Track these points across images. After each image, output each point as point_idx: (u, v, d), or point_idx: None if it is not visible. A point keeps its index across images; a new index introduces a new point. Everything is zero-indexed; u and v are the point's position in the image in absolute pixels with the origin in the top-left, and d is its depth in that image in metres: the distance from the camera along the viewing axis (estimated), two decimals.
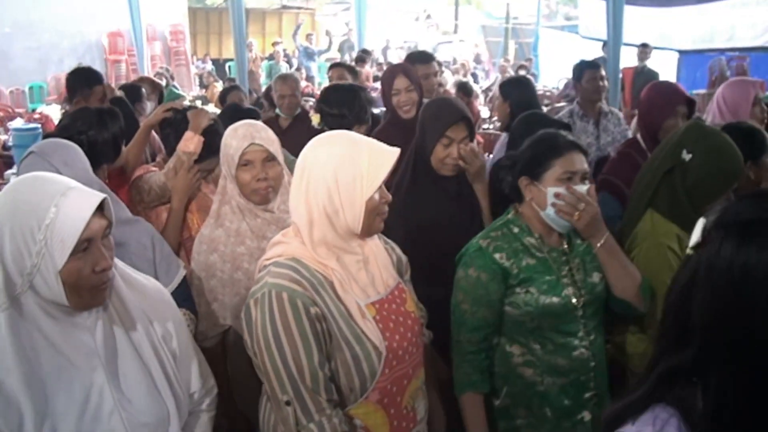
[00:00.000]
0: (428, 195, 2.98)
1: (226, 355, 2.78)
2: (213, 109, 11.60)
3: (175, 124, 3.41)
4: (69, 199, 1.62)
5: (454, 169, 2.97)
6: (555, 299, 2.38)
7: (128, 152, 3.61)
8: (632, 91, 10.41)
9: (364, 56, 12.19)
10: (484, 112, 11.48)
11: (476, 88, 12.72)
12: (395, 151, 1.99)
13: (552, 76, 16.82)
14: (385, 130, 4.14)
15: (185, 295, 2.67)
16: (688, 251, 1.24)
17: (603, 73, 5.07)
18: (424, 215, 2.94)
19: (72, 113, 3.22)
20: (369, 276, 2.07)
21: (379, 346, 1.98)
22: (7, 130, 11.26)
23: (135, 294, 1.88)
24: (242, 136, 2.63)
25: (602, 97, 5.09)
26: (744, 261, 1.14)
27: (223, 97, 6.42)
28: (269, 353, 1.89)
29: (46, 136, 3.00)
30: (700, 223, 1.24)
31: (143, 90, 5.95)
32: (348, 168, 1.93)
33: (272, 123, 5.12)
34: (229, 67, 20.30)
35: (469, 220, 3.02)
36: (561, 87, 14.08)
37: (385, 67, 16.10)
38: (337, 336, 1.95)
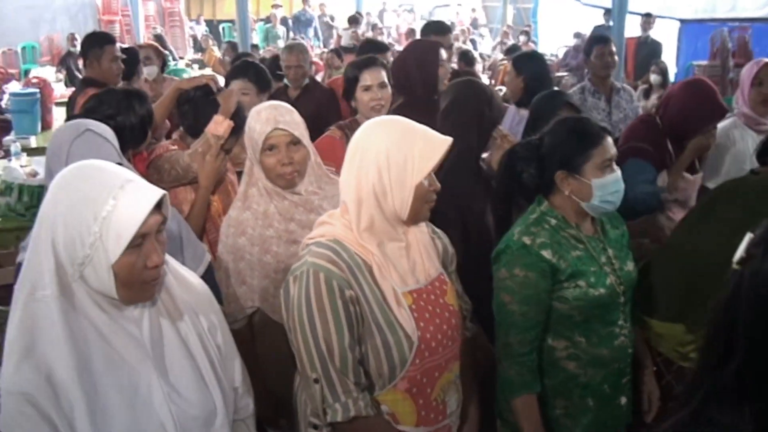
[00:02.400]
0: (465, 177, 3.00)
1: (253, 337, 2.76)
2: (210, 72, 11.54)
3: (194, 100, 3.34)
4: (127, 193, 1.59)
5: None
6: (602, 290, 2.36)
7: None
8: (635, 61, 10.36)
9: (357, 17, 12.07)
10: (484, 80, 11.38)
11: (476, 54, 12.66)
12: (447, 140, 1.98)
13: (551, 44, 16.70)
14: (402, 111, 4.09)
15: (211, 281, 2.63)
16: (734, 266, 1.23)
17: (613, 48, 5.03)
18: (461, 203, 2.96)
19: (98, 96, 3.12)
20: (410, 264, 2.06)
21: (411, 335, 1.98)
22: (2, 92, 11.14)
23: (182, 288, 1.87)
24: (265, 120, 2.58)
25: (611, 72, 5.06)
26: None
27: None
28: (302, 330, 1.94)
29: (69, 117, 2.91)
30: (746, 239, 1.23)
31: (140, 53, 5.94)
32: (400, 150, 1.95)
33: (281, 93, 5.06)
34: (224, 29, 20.08)
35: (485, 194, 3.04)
36: (560, 55, 13.99)
37: (383, 31, 16.10)
38: (369, 320, 1.97)
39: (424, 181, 1.96)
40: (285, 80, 5.33)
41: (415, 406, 2.05)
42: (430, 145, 1.96)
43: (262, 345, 2.74)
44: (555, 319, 2.41)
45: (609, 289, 2.38)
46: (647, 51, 10.35)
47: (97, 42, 4.88)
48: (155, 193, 1.62)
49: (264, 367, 2.70)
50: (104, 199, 1.57)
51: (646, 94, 8.80)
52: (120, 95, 3.05)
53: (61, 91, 10.27)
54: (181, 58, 14.81)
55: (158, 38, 12.90)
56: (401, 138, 1.96)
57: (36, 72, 12.03)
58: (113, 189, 1.59)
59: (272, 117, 2.59)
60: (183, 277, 1.92)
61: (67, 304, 1.61)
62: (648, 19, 10.99)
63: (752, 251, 1.20)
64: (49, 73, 11.88)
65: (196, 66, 13.41)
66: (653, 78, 8.96)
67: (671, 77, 9.45)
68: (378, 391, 2.03)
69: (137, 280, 1.64)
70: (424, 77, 3.85)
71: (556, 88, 4.02)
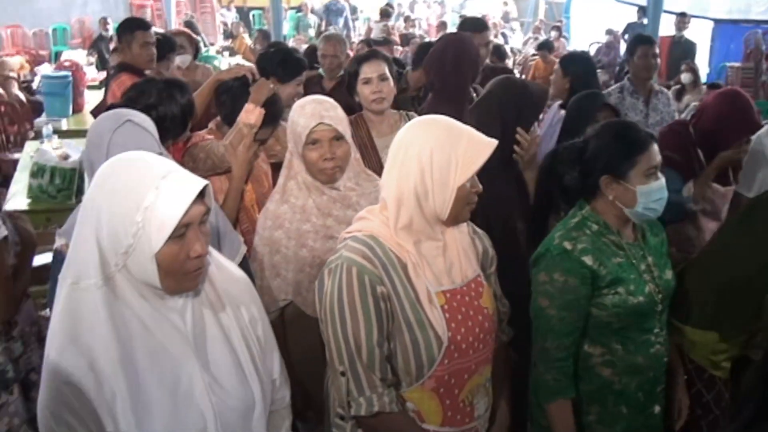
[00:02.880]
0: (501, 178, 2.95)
1: (285, 330, 2.76)
2: (240, 60, 11.54)
3: (232, 90, 3.34)
4: (170, 182, 1.59)
5: None
6: (641, 298, 2.33)
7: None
8: (668, 61, 10.24)
9: (389, 10, 12.00)
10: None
11: (507, 49, 12.58)
12: (492, 143, 1.97)
13: (583, 40, 16.56)
14: (432, 104, 4.08)
15: (247, 272, 2.63)
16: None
17: (656, 50, 4.96)
18: (496, 205, 2.90)
19: (139, 85, 3.12)
20: (447, 264, 2.05)
21: (441, 336, 1.98)
22: (33, 74, 11.22)
23: (225, 279, 1.87)
24: (310, 114, 2.57)
25: (652, 74, 4.99)
26: None
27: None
28: (332, 323, 1.96)
29: (109, 107, 2.89)
30: None
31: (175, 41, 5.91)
32: (444, 151, 1.94)
33: (315, 83, 5.02)
34: (254, 16, 20.09)
35: (517, 196, 3.01)
36: (592, 52, 13.87)
37: (414, 23, 16.03)
38: (399, 318, 1.97)
39: (466, 182, 1.95)
40: (320, 70, 5.28)
41: (442, 406, 2.05)
42: (474, 147, 1.95)
43: (293, 338, 2.74)
44: (592, 326, 2.38)
45: (648, 297, 2.35)
46: (681, 51, 10.24)
47: (129, 27, 4.88)
48: (198, 183, 1.62)
49: (293, 359, 2.70)
50: (147, 188, 1.57)
51: (679, 95, 8.70)
52: (161, 85, 3.03)
53: (93, 74, 10.32)
54: (212, 44, 14.81)
55: (189, 24, 12.95)
56: (446, 138, 1.95)
57: (67, 54, 12.10)
58: (156, 179, 1.59)
59: (317, 111, 2.58)
60: (225, 268, 1.93)
61: (110, 294, 1.62)
62: (683, 18, 10.87)
63: None
64: (80, 56, 11.93)
65: (226, 53, 13.41)
66: (684, 77, 8.88)
67: (703, 78, 9.33)
68: (405, 388, 2.03)
69: (180, 270, 1.64)
70: (462, 71, 3.84)
71: (594, 90, 3.94)
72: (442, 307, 2.00)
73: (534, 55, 11.78)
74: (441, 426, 2.07)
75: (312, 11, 16.32)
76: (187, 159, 3.24)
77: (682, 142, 3.58)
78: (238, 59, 12.18)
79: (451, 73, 3.83)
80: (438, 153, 1.94)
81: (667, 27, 10.80)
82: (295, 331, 2.74)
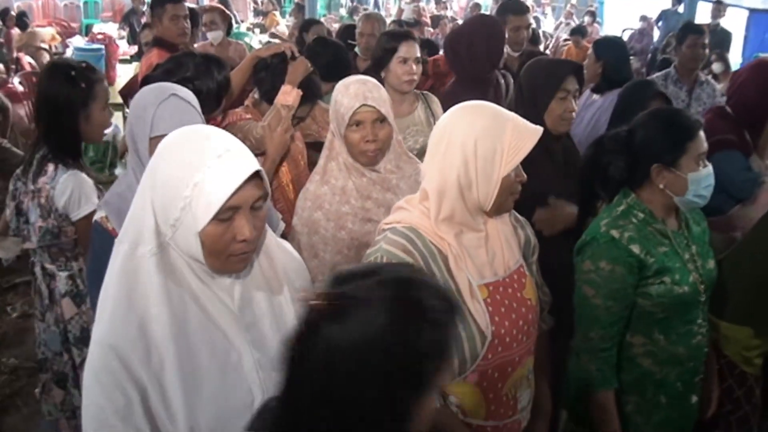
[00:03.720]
0: (538, 159, 2.83)
1: None
2: (273, 39, 11.52)
3: (271, 68, 3.32)
4: (224, 162, 1.57)
5: (570, 124, 2.92)
6: (686, 288, 2.31)
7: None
8: None
9: None
10: None
11: (539, 33, 12.46)
12: (538, 130, 1.92)
13: (617, 26, 16.35)
14: (455, 92, 4.04)
15: None
16: None
17: (706, 40, 4.87)
18: (536, 180, 2.83)
19: (177, 57, 3.11)
20: (489, 255, 2.01)
21: (484, 330, 1.94)
22: (66, 46, 11.26)
23: (284, 260, 1.87)
24: (354, 95, 2.54)
25: (699, 64, 4.90)
26: None
27: (304, 31, 6.19)
28: None
29: (144, 81, 2.89)
30: None
31: (206, 17, 5.89)
32: (489, 141, 1.89)
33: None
34: None
35: (574, 186, 2.95)
36: (625, 38, 13.71)
37: (446, 5, 15.93)
38: None
39: (510, 172, 1.91)
40: (356, 49, 5.24)
41: (485, 400, 2.02)
42: (519, 135, 1.90)
43: None
44: (636, 316, 2.36)
45: (692, 287, 2.33)
46: (716, 40, 10.03)
47: (159, 1, 4.74)
48: (250, 166, 1.59)
49: None
50: (199, 165, 1.56)
51: None
52: (199, 59, 3.02)
53: (124, 48, 10.34)
54: (243, 21, 14.79)
55: (223, 1, 12.94)
56: (490, 127, 1.90)
57: (98, 28, 12.16)
58: (211, 157, 1.57)
59: (361, 92, 2.55)
60: (286, 249, 1.93)
61: (164, 263, 1.62)
62: (719, 6, 10.68)
63: None
64: (111, 29, 11.97)
65: (257, 30, 13.40)
66: (716, 67, 8.69)
67: (735, 68, 9.17)
68: (448, 381, 1.98)
69: (224, 252, 1.62)
70: (478, 56, 3.87)
71: (648, 78, 3.89)
72: (485, 300, 1.96)
73: (567, 40, 11.63)
74: (485, 420, 2.04)
75: None
76: None
77: (729, 124, 3.52)
78: (267, 36, 12.15)
79: (467, 58, 3.86)
80: (482, 142, 1.89)
81: (702, 15, 10.65)
82: None
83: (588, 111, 4.36)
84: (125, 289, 1.61)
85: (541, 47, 11.80)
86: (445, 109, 3.68)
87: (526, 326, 2.04)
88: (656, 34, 13.06)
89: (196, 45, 5.93)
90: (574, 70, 2.88)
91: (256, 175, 1.60)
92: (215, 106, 3.08)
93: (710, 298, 2.49)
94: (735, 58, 9.48)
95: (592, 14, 13.88)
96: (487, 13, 11.33)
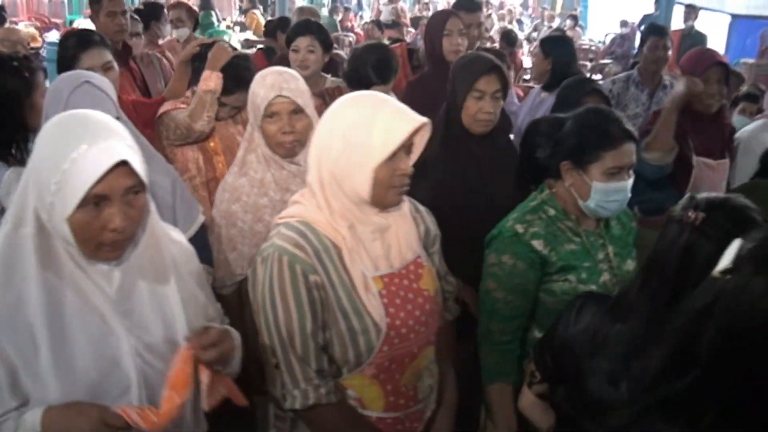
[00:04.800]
0: (458, 158, 2.86)
1: (242, 304, 2.73)
2: (252, 36, 11.48)
3: (204, 57, 3.28)
4: (92, 150, 1.55)
5: (487, 126, 2.82)
6: (593, 287, 2.28)
7: (170, 90, 3.64)
8: (678, 54, 10.07)
9: None
10: (527, 62, 11.05)
11: (520, 36, 12.47)
12: (416, 121, 1.85)
13: (599, 31, 16.38)
14: (421, 81, 4.06)
15: (203, 242, 2.62)
16: (715, 274, 1.14)
17: (668, 42, 4.84)
18: (454, 179, 2.83)
19: None
20: (384, 247, 1.97)
21: (379, 323, 1.91)
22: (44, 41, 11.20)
23: (172, 248, 1.86)
24: (270, 86, 2.52)
25: (661, 67, 4.86)
26: None
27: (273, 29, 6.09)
28: (264, 315, 1.89)
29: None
30: (735, 246, 1.15)
31: (172, 14, 5.86)
32: (360, 132, 1.83)
33: (284, 58, 4.92)
34: None
35: (503, 189, 2.92)
36: (607, 42, 13.73)
37: (428, 6, 15.92)
38: (334, 306, 1.89)
39: (385, 165, 1.84)
40: None
41: (383, 391, 1.99)
42: (394, 127, 1.83)
43: (250, 312, 2.69)
44: (541, 311, 2.34)
45: (602, 287, 2.30)
46: (691, 43, 10.05)
47: None
48: (115, 156, 1.56)
49: (251, 333, 2.67)
50: (70, 151, 1.54)
51: None
52: None
53: None
54: (224, 19, 14.74)
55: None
56: (363, 118, 1.84)
57: (79, 23, 12.05)
58: (81, 143, 1.55)
59: (277, 83, 2.52)
60: (172, 237, 1.91)
61: (43, 246, 1.62)
62: (691, 9, 10.68)
63: (740, 264, 1.11)
64: (91, 24, 11.87)
65: (237, 28, 13.35)
66: None
67: None
68: (344, 375, 1.97)
69: (94, 240, 1.60)
70: (431, 48, 3.95)
71: (587, 75, 3.89)
72: (380, 292, 1.93)
73: None
74: (384, 411, 2.02)
75: None
76: (161, 128, 3.22)
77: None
78: (248, 35, 12.12)
79: (428, 50, 4.01)
80: (353, 133, 1.83)
81: (677, 21, 10.69)
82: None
83: (539, 109, 4.34)
84: (4, 268, 1.61)
85: (525, 50, 11.84)
86: (406, 98, 3.72)
87: (423, 317, 2.01)
88: (638, 38, 13.07)
89: (161, 42, 5.90)
90: (490, 70, 2.79)
91: (126, 164, 1.58)
92: None
93: None
94: None
95: (574, 18, 13.91)
96: None
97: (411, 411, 2.07)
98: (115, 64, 3.28)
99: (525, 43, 13.61)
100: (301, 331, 1.86)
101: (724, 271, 1.13)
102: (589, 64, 10.75)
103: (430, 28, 4.07)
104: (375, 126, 1.82)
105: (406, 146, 1.87)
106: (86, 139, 1.56)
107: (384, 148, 1.82)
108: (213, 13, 12.04)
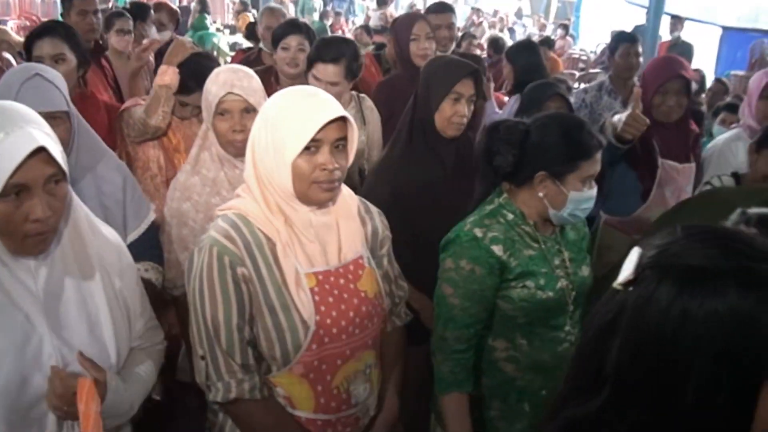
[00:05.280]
0: (423, 159, 2.82)
1: None
2: (240, 39, 11.43)
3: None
4: (10, 137, 1.52)
5: (459, 129, 2.80)
6: (551, 294, 2.23)
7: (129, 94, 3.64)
8: None
9: None
10: None
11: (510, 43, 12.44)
12: (330, 115, 1.80)
13: (591, 40, 16.38)
14: (390, 82, 4.05)
15: (153, 240, 2.59)
16: (615, 286, 1.08)
17: (639, 49, 4.80)
18: (417, 181, 2.79)
19: None
20: (321, 244, 1.93)
21: (307, 320, 1.87)
22: None
23: (100, 244, 1.82)
24: (222, 83, 2.49)
25: (634, 74, 4.82)
26: (681, 313, 1.00)
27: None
28: (193, 305, 1.88)
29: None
30: (634, 256, 1.10)
31: (152, 12, 5.86)
32: (279, 125, 1.82)
33: (255, 59, 4.84)
34: None
35: (465, 191, 2.88)
36: (598, 52, 13.70)
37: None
38: (260, 301, 1.86)
39: (303, 158, 1.81)
40: (261, 44, 5.08)
41: (313, 392, 1.95)
42: (306, 119, 1.79)
43: None
44: (498, 319, 2.29)
45: (558, 293, 2.26)
46: (678, 53, 10.03)
47: None
48: (33, 142, 1.53)
49: None
50: None
51: None
52: None
53: None
54: (214, 22, 14.69)
55: (201, 2, 12.87)
56: (284, 111, 1.83)
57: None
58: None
59: (229, 80, 2.49)
60: (102, 234, 1.87)
61: None
62: (677, 20, 10.67)
63: (642, 274, 1.06)
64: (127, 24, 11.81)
65: (227, 31, 13.32)
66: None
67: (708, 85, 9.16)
68: (274, 372, 1.94)
69: (17, 232, 1.57)
70: (399, 51, 3.97)
71: (548, 80, 3.86)
72: (312, 289, 1.89)
73: None
74: (314, 413, 1.97)
75: None
76: (123, 125, 3.19)
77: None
78: (238, 37, 12.09)
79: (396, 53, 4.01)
80: (275, 125, 1.82)
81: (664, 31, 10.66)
82: None
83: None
84: None
85: None
86: (376, 98, 3.69)
87: (358, 319, 1.97)
88: None
89: (144, 41, 5.87)
90: (470, 74, 2.78)
91: (45, 151, 1.55)
92: None
93: (586, 305, 2.41)
94: (708, 75, 9.43)
95: (565, 27, 13.88)
96: None
97: (343, 415, 2.02)
98: (71, 57, 3.22)
99: None
100: (226, 324, 1.84)
101: (626, 283, 1.07)
102: (577, 74, 10.73)
103: (398, 32, 4.07)
104: (292, 118, 1.80)
105: (332, 141, 1.83)
106: (3, 128, 1.53)
107: (297, 141, 1.79)
108: (207, 16, 12.02)
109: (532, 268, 2.24)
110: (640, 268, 1.07)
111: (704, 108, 6.90)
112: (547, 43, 10.60)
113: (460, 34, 10.37)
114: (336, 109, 1.81)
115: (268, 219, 1.89)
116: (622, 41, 4.85)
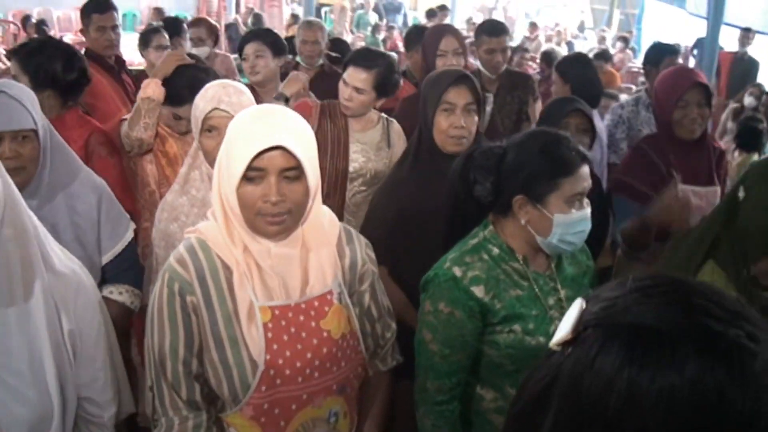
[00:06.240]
0: (429, 178, 2.63)
1: None
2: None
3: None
4: None
5: (460, 143, 2.60)
6: (542, 339, 1.98)
7: None
8: (728, 78, 9.63)
9: (435, 11, 11.71)
10: None
11: None
12: (264, 141, 1.63)
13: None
14: (413, 98, 3.87)
15: (130, 261, 2.49)
16: (552, 345, 0.90)
17: (679, 60, 4.53)
18: (422, 200, 2.61)
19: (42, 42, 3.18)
20: (282, 276, 1.75)
21: (256, 358, 1.70)
22: None
23: (58, 284, 1.71)
24: (209, 98, 2.36)
25: None
26: (628, 386, 0.79)
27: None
28: (146, 332, 1.77)
29: None
30: (575, 310, 0.90)
31: (192, 32, 5.87)
32: (230, 150, 1.69)
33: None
34: (325, 12, 19.94)
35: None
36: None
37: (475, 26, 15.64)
38: (207, 332, 1.71)
39: (246, 187, 1.65)
40: (298, 58, 5.00)
41: None
42: (248, 144, 1.64)
43: None
44: (484, 366, 2.06)
45: (551, 338, 2.01)
46: (742, 69, 9.61)
47: (86, 10, 4.40)
48: None
49: None
50: None
51: (736, 116, 8.13)
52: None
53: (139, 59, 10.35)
54: None
55: (257, 17, 12.94)
56: (236, 133, 1.69)
57: (128, 37, 12.16)
58: None
59: (216, 95, 2.37)
60: (59, 271, 1.75)
61: None
62: (747, 33, 10.17)
63: (583, 334, 0.86)
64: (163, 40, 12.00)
65: None
66: (748, 101, 8.26)
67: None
68: (227, 411, 1.78)
69: None
70: (425, 66, 3.78)
71: (570, 96, 3.58)
72: (265, 324, 1.72)
73: None
74: None
75: (373, 9, 16.16)
76: (116, 135, 3.12)
77: (644, 160, 3.17)
78: None
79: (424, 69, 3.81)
80: (226, 149, 1.69)
81: (733, 42, 10.25)
82: None
83: None
84: None
85: None
86: (398, 114, 3.54)
87: (317, 360, 1.78)
88: (692, 62, 12.63)
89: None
90: (458, 80, 2.59)
91: None
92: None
93: None
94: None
95: (625, 40, 13.50)
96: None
97: None
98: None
99: None
100: (172, 355, 1.71)
101: (563, 343, 0.88)
102: (634, 88, 10.38)
103: (425, 46, 3.90)
104: (237, 143, 1.66)
105: (278, 171, 1.65)
106: None
107: (238, 168, 1.64)
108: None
109: (519, 311, 2.00)
110: (580, 325, 0.87)
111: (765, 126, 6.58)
112: (604, 56, 10.29)
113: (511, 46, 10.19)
114: (278, 137, 1.63)
115: (227, 245, 1.74)
116: (666, 53, 4.59)
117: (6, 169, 2.04)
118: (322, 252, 1.82)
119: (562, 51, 12.31)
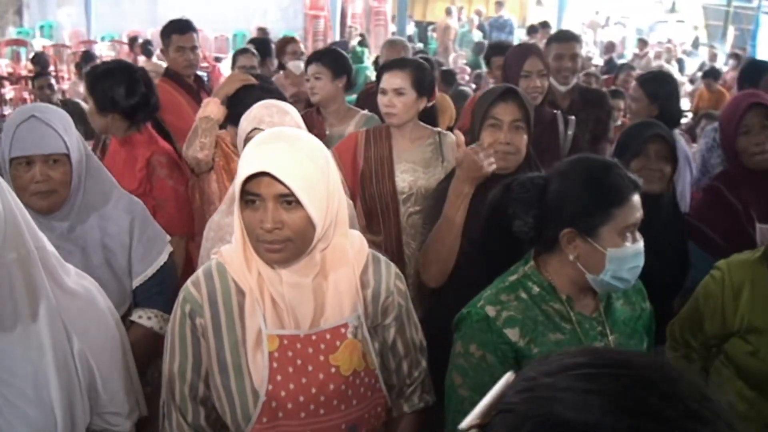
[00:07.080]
0: (475, 199, 2.51)
1: None
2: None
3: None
4: None
5: (506, 159, 2.50)
6: None
7: None
8: None
9: (536, 27, 11.54)
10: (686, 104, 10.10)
11: (680, 77, 11.69)
12: (254, 166, 1.57)
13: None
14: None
15: (162, 286, 2.44)
16: (460, 429, 0.76)
17: None
18: (470, 223, 2.51)
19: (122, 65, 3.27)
20: (292, 305, 1.68)
21: (258, 387, 1.65)
22: None
23: (70, 306, 1.72)
24: (251, 118, 2.37)
25: None
26: None
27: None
28: (165, 352, 1.77)
29: None
30: (497, 387, 0.78)
31: (289, 47, 5.89)
32: (240, 173, 1.62)
33: (374, 92, 4.74)
34: (430, 31, 19.93)
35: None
36: None
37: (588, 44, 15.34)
38: (213, 358, 1.67)
39: (247, 212, 1.61)
40: None
41: None
42: (245, 169, 1.58)
43: None
44: None
45: None
46: None
47: (166, 30, 4.54)
48: None
49: None
50: None
51: None
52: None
53: None
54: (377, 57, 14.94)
55: (361, 37, 13.13)
56: (242, 157, 1.65)
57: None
58: None
59: (258, 116, 2.37)
60: (72, 291, 1.76)
61: None
62: None
63: (493, 420, 0.74)
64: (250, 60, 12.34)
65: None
66: None
67: None
68: None
69: None
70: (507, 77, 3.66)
71: (650, 120, 3.34)
72: (272, 353, 1.66)
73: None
74: None
75: (478, 27, 16.06)
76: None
77: (718, 202, 2.91)
78: None
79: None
80: (238, 178, 1.64)
81: None
82: None
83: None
84: None
85: (684, 89, 11.00)
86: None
87: (323, 396, 1.69)
88: None
89: (274, 78, 5.97)
90: (504, 95, 2.50)
91: None
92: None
93: None
94: None
95: (737, 57, 12.89)
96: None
97: None
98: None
99: (689, 84, 12.70)
100: (180, 378, 1.69)
101: (469, 428, 0.75)
102: None
103: (509, 64, 3.73)
104: (241, 168, 1.62)
105: (274, 197, 1.59)
106: None
107: (235, 193, 1.62)
108: (365, 49, 12.20)
109: None
110: (493, 409, 0.76)
111: None
112: (713, 74, 9.88)
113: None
114: (267, 164, 1.56)
115: (243, 270, 1.70)
116: (765, 70, 4.30)
117: (37, 192, 2.13)
118: (342, 281, 1.74)
119: (673, 69, 11.91)
